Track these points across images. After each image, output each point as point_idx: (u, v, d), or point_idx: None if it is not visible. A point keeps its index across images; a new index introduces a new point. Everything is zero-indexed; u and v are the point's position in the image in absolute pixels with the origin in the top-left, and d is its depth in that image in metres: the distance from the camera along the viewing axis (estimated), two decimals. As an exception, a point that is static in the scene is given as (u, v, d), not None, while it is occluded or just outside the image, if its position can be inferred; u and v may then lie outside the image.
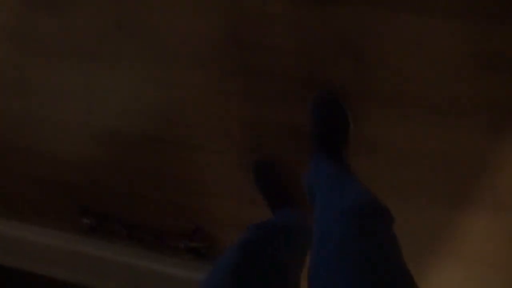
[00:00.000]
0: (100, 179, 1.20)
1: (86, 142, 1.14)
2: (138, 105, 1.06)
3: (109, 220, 1.20)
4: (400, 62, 0.85)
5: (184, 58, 0.95)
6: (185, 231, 1.16)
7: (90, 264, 1.11)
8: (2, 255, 1.16)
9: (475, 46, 0.79)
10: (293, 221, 0.90)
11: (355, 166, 0.92)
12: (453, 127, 0.88)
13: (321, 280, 0.50)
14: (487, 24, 0.77)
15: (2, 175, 1.28)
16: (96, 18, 0.97)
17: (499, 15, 0.76)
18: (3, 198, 1.32)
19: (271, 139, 1.01)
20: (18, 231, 1.20)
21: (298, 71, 0.91)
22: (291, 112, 0.96)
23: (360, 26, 0.84)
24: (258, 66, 0.93)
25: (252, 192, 1.07)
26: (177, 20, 0.93)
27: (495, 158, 0.89)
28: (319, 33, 0.86)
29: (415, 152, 0.93)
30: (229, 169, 1.07)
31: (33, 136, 1.19)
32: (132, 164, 1.15)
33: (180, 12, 0.92)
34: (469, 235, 0.99)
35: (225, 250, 0.67)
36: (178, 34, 0.94)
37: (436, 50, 0.82)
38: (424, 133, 0.91)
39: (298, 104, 0.95)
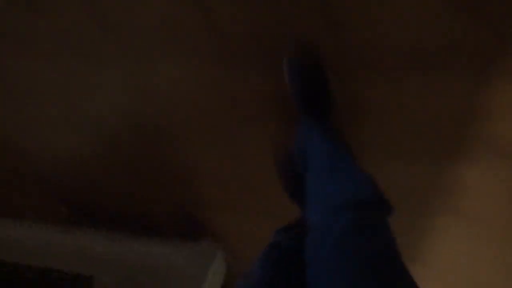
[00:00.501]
0: (81, 171, 1.17)
1: (68, 134, 1.11)
2: (118, 93, 1.02)
3: (91, 209, 1.19)
4: (379, 14, 0.80)
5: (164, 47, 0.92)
6: (172, 217, 1.14)
7: (75, 252, 1.10)
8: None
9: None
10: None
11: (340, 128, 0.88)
12: (437, 81, 0.82)
13: (321, 279, 0.49)
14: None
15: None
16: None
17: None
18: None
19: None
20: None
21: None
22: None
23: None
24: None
25: (235, 172, 1.05)
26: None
27: (483, 107, 0.83)
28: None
29: (400, 109, 0.88)
30: (212, 147, 1.03)
31: (13, 129, 1.19)
32: (116, 152, 1.12)
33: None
34: (464, 190, 0.94)
35: (257, 260, 0.65)
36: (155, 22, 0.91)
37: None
38: (407, 89, 0.85)
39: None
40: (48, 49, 0.97)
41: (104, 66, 0.96)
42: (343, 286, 0.45)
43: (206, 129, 1.00)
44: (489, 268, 1.09)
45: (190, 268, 1.04)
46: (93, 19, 0.89)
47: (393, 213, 0.58)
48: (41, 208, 1.25)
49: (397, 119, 0.89)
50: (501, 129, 0.83)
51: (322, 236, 0.53)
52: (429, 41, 0.76)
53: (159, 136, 1.05)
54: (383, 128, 0.91)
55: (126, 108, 1.04)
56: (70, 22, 0.92)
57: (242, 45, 0.86)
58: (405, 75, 0.82)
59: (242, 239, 1.17)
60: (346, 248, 0.49)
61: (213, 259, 1.08)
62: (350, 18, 0.76)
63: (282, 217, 1.06)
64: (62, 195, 1.22)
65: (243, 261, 1.19)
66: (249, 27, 0.83)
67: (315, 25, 0.80)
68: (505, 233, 0.98)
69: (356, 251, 0.48)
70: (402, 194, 1.03)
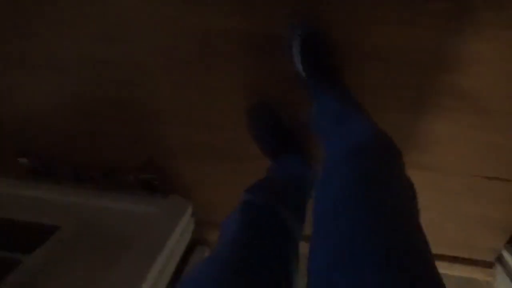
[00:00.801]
0: (40, 115, 1.10)
1: (29, 80, 1.04)
2: (75, 24, 0.95)
3: (50, 160, 1.14)
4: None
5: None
6: (136, 164, 1.12)
7: (36, 204, 1.06)
8: None
9: None
10: (301, 172, 0.88)
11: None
12: (409, 25, 0.85)
13: (327, 216, 0.47)
14: None
15: None
16: None
17: None
18: None
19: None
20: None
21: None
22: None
23: None
24: None
25: (205, 116, 1.03)
26: None
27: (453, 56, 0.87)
28: None
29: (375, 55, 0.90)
30: (180, 90, 1.00)
31: None
32: (72, 92, 1.05)
33: None
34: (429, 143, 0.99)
35: (230, 214, 0.65)
36: None
37: None
38: (380, 30, 0.87)
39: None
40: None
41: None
42: (345, 225, 0.43)
43: (175, 71, 0.97)
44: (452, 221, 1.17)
45: (158, 222, 1.04)
46: None
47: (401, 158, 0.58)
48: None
49: (373, 66, 0.91)
50: (463, 81, 0.89)
51: (324, 185, 0.53)
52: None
53: (126, 81, 1.01)
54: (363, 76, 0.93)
55: (91, 51, 0.99)
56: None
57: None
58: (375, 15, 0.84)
59: (210, 191, 1.17)
60: (351, 194, 0.47)
61: (182, 215, 1.09)
62: None
63: (252, 169, 1.08)
64: (22, 146, 1.16)
65: (212, 216, 1.21)
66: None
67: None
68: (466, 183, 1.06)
69: (362, 201, 0.46)
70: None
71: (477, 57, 0.85)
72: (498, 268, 1.15)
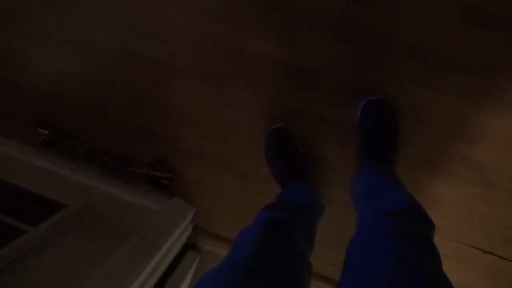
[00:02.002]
0: (67, 92, 1.14)
1: (62, 48, 1.08)
2: (119, 14, 1.00)
3: (69, 135, 1.17)
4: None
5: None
6: (149, 160, 1.15)
7: (47, 177, 1.09)
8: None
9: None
10: (308, 199, 0.91)
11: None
12: (433, 88, 0.89)
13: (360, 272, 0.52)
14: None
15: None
16: None
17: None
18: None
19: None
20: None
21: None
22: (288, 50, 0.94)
23: None
24: None
25: (221, 129, 1.07)
26: None
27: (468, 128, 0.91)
28: None
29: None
30: (204, 98, 1.04)
31: (3, 38, 1.14)
32: (103, 79, 1.09)
33: None
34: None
35: (248, 227, 0.68)
36: None
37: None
38: (403, 87, 0.91)
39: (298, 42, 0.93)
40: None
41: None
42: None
43: (203, 79, 1.01)
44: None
45: (160, 221, 1.06)
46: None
47: (434, 229, 0.65)
48: (18, 126, 1.22)
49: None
50: (475, 153, 0.93)
51: (365, 236, 0.60)
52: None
53: (155, 78, 1.05)
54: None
55: (129, 43, 1.02)
56: None
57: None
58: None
59: (212, 201, 1.20)
60: (382, 248, 0.54)
61: (183, 219, 1.11)
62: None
63: (257, 190, 1.11)
64: (43, 117, 1.20)
65: (208, 226, 1.24)
66: None
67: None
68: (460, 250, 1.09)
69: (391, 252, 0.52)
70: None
71: (494, 133, 0.89)
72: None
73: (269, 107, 1.00)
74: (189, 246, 1.24)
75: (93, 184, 1.08)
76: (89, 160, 1.14)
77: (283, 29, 0.91)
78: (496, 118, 0.87)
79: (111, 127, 1.15)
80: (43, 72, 1.14)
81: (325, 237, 1.08)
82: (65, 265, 0.84)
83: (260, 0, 0.89)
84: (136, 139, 1.15)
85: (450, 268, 1.10)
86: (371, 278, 0.49)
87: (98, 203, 1.03)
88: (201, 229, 1.21)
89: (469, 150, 0.92)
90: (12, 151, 1.09)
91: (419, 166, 0.98)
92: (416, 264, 0.50)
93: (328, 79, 0.93)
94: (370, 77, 0.91)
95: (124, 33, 1.02)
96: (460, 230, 1.04)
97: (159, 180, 1.14)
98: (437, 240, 1.08)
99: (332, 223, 1.07)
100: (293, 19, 0.89)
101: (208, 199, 1.18)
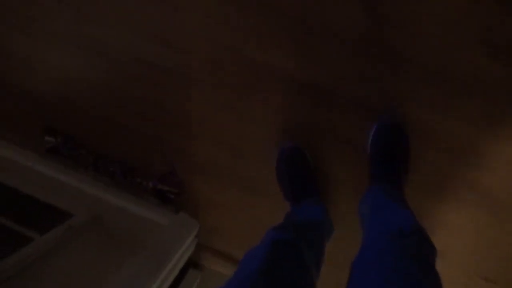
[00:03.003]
0: (74, 98, 1.13)
1: (73, 53, 1.07)
2: (132, 21, 1.00)
3: (76, 144, 1.15)
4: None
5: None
6: (157, 171, 1.13)
7: (54, 185, 1.07)
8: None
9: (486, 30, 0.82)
10: (319, 218, 0.92)
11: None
12: (445, 114, 0.91)
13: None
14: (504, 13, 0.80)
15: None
16: None
17: None
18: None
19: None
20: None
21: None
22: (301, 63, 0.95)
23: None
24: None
25: (234, 144, 1.06)
26: None
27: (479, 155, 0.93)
28: None
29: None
30: (219, 110, 1.04)
31: (6, 40, 1.13)
32: (116, 87, 1.09)
33: None
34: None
35: (255, 247, 0.69)
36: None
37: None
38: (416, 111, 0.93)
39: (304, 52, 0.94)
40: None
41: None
42: None
43: (219, 91, 1.02)
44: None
45: (165, 236, 1.05)
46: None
47: (436, 254, 0.67)
48: (25, 132, 1.21)
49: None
50: (487, 180, 0.94)
51: (369, 255, 0.62)
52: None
53: (169, 88, 1.05)
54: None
55: (144, 50, 1.02)
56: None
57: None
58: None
59: (218, 216, 1.18)
60: (386, 267, 0.55)
61: (189, 235, 1.10)
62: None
63: (266, 207, 1.10)
64: (50, 124, 1.18)
65: (213, 243, 1.22)
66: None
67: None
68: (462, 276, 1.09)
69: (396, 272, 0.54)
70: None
71: (504, 160, 0.91)
72: None
73: (283, 122, 1.01)
74: (191, 264, 1.21)
75: (99, 194, 1.06)
76: (96, 170, 1.12)
77: (302, 45, 0.93)
78: (505, 145, 0.90)
79: (120, 136, 1.14)
80: (53, 78, 1.13)
81: (330, 255, 1.08)
82: (70, 276, 0.81)
83: (282, 15, 0.91)
84: (146, 149, 1.14)
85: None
86: None
87: (104, 213, 1.01)
88: (206, 246, 1.19)
89: (478, 176, 0.94)
90: (18, 158, 1.07)
91: (427, 190, 0.99)
92: (420, 283, 0.51)
93: (343, 98, 0.95)
94: (385, 99, 0.93)
95: (139, 40, 1.02)
96: (466, 255, 1.05)
97: (166, 194, 1.12)
98: (441, 265, 1.08)
99: (339, 241, 1.07)
100: (313, 37, 0.91)
101: (216, 215, 1.17)
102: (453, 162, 0.95)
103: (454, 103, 0.89)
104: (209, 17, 0.95)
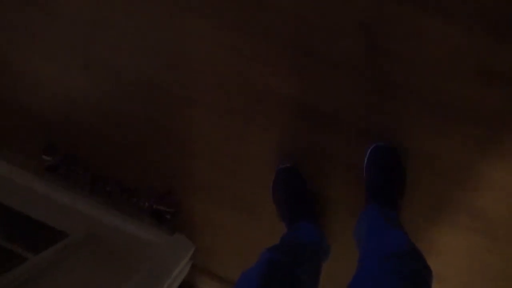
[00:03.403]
0: (76, 117, 1.14)
1: (78, 72, 1.09)
2: (138, 44, 1.03)
3: (75, 162, 1.15)
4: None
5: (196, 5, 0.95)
6: (155, 191, 1.13)
7: (49, 205, 1.06)
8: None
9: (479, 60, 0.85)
10: (314, 239, 0.92)
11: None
12: (444, 136, 0.93)
13: None
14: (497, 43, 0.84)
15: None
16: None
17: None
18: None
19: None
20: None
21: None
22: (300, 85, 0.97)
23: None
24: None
25: (232, 164, 1.07)
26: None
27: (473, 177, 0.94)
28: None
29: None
30: (218, 133, 1.05)
31: (14, 57, 1.14)
32: (117, 107, 1.10)
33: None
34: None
35: (250, 268, 0.69)
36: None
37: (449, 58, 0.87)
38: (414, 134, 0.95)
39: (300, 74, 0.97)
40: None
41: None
42: None
43: (219, 113, 1.04)
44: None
45: (160, 257, 1.03)
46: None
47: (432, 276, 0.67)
48: (22, 150, 1.21)
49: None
50: (482, 203, 0.95)
51: (365, 276, 0.63)
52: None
53: (170, 109, 1.07)
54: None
55: (148, 71, 1.04)
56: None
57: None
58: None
59: (214, 237, 1.18)
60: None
61: (184, 256, 1.09)
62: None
63: (263, 227, 1.10)
64: (49, 143, 1.18)
65: (208, 264, 1.21)
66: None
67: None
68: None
69: None
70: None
71: (498, 184, 0.92)
72: None
73: (281, 144, 1.03)
74: (186, 286, 1.19)
75: (95, 213, 1.05)
76: (93, 189, 1.12)
77: (301, 69, 0.95)
78: (499, 170, 0.92)
79: (120, 155, 1.15)
80: (56, 96, 1.14)
81: (326, 276, 1.07)
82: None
83: (282, 39, 0.94)
84: (144, 169, 1.14)
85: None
86: None
87: (100, 233, 1.00)
88: (201, 268, 1.17)
89: (474, 200, 0.95)
90: (14, 176, 1.07)
91: (423, 213, 1.00)
92: None
93: (341, 121, 0.97)
94: (381, 122, 0.95)
95: (145, 63, 1.04)
96: (461, 279, 1.05)
97: (162, 214, 1.12)
98: (437, 287, 1.08)
99: (334, 261, 1.07)
100: (314, 64, 0.94)
101: (212, 235, 1.16)
102: (448, 186, 0.96)
103: (449, 128, 0.91)
104: (216, 43, 0.97)
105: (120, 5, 1.00)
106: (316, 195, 1.05)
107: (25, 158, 1.16)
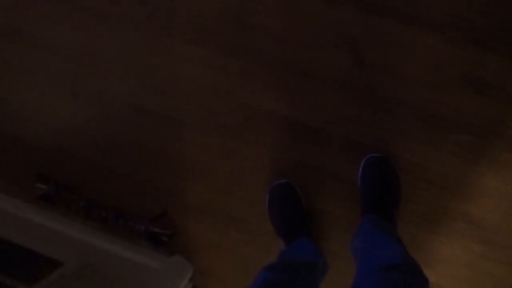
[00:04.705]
0: (69, 146, 1.14)
1: (67, 101, 1.10)
2: (125, 71, 1.04)
3: (68, 190, 1.15)
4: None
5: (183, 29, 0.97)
6: (150, 213, 1.12)
7: (43, 233, 1.05)
8: None
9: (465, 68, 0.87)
10: (311, 257, 0.92)
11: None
12: (433, 147, 0.93)
13: None
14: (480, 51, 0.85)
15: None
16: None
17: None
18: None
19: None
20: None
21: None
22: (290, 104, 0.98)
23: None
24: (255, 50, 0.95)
25: (226, 183, 1.07)
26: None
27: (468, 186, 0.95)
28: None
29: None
30: (211, 152, 1.06)
31: (6, 87, 1.15)
32: (109, 132, 1.11)
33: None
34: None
35: (248, 286, 0.71)
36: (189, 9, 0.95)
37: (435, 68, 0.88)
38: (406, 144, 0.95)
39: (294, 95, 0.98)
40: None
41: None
42: None
43: (211, 134, 1.04)
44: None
45: (159, 281, 1.02)
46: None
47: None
48: (15, 179, 1.20)
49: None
50: (478, 210, 0.95)
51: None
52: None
53: (160, 132, 1.07)
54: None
55: (138, 97, 1.05)
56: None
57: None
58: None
59: (212, 257, 1.17)
60: None
61: (183, 279, 1.07)
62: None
63: (260, 245, 1.09)
64: (42, 171, 1.18)
65: (207, 285, 1.20)
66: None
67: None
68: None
69: None
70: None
71: (493, 191, 0.93)
72: None
73: (275, 161, 1.03)
74: (185, 308, 1.18)
75: (91, 240, 1.04)
76: (87, 216, 1.11)
77: (289, 86, 0.96)
78: (494, 176, 0.92)
79: (114, 180, 1.15)
80: (46, 125, 1.15)
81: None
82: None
83: (270, 58, 0.95)
84: (138, 193, 1.14)
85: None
86: None
87: (96, 260, 0.99)
88: (199, 289, 1.16)
89: (470, 208, 0.95)
90: (7, 206, 1.06)
91: (420, 222, 1.00)
92: None
93: (333, 135, 0.97)
94: (373, 135, 0.96)
95: (134, 87, 1.05)
96: (460, 287, 1.04)
97: (159, 236, 1.11)
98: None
99: (331, 277, 1.06)
100: (301, 78, 0.95)
101: (210, 256, 1.15)
102: (444, 194, 0.96)
103: (440, 138, 0.92)
104: (204, 64, 0.98)
105: (107, 33, 1.02)
106: (312, 210, 1.04)
107: (18, 188, 1.15)
